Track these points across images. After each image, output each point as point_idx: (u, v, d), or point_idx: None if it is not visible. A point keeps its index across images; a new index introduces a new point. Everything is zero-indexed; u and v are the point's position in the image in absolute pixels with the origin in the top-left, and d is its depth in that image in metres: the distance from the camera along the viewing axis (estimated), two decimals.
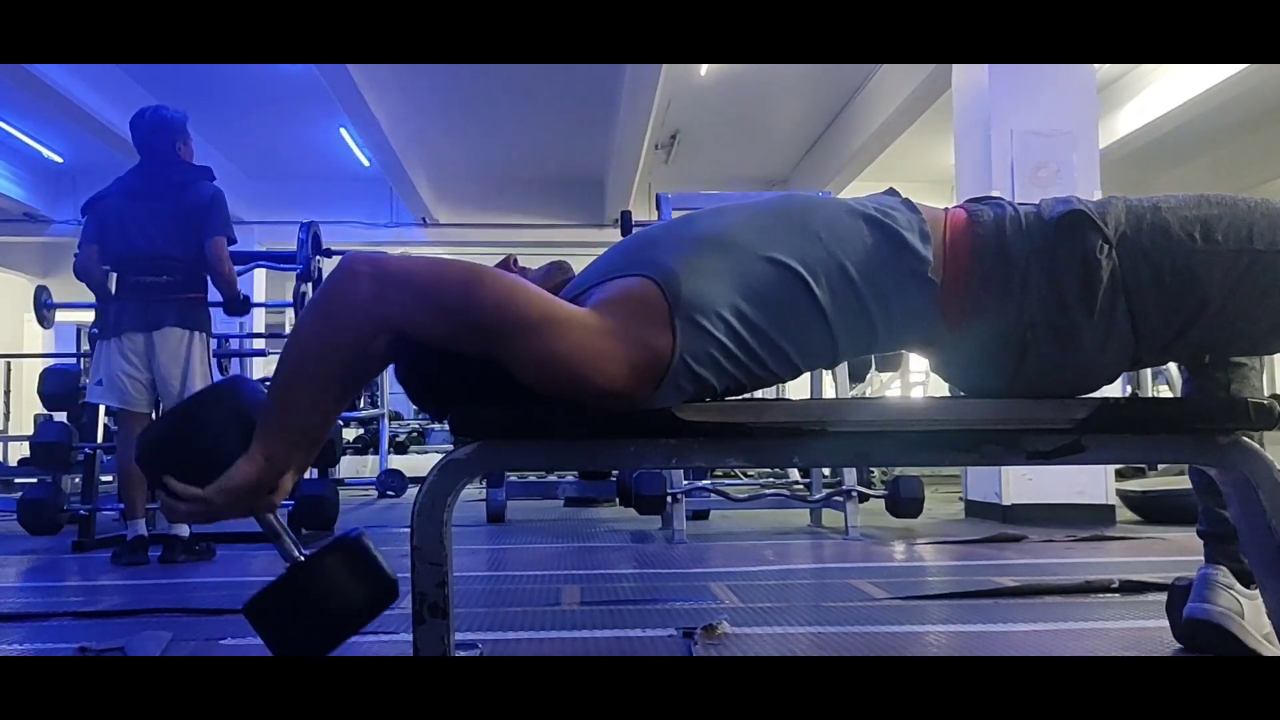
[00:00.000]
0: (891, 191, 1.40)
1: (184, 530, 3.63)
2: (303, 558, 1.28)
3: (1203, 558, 1.75)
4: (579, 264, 1.42)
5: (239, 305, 3.87)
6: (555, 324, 1.19)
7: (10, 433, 8.91)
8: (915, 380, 8.41)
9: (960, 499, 5.35)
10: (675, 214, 4.51)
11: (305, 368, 1.21)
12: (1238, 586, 1.67)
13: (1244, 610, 1.65)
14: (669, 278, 1.23)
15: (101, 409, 4.29)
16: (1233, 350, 1.52)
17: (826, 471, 4.75)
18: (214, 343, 3.92)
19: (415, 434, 12.57)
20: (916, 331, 1.33)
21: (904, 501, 4.45)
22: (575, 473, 5.79)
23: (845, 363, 4.39)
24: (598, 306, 1.23)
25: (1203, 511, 1.74)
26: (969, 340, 1.31)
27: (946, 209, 1.36)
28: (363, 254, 1.21)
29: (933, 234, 1.30)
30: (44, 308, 5.26)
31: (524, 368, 1.21)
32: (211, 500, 1.22)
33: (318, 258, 4.96)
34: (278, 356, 1.27)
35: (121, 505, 3.83)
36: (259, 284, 9.71)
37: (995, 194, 4.71)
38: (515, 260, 1.41)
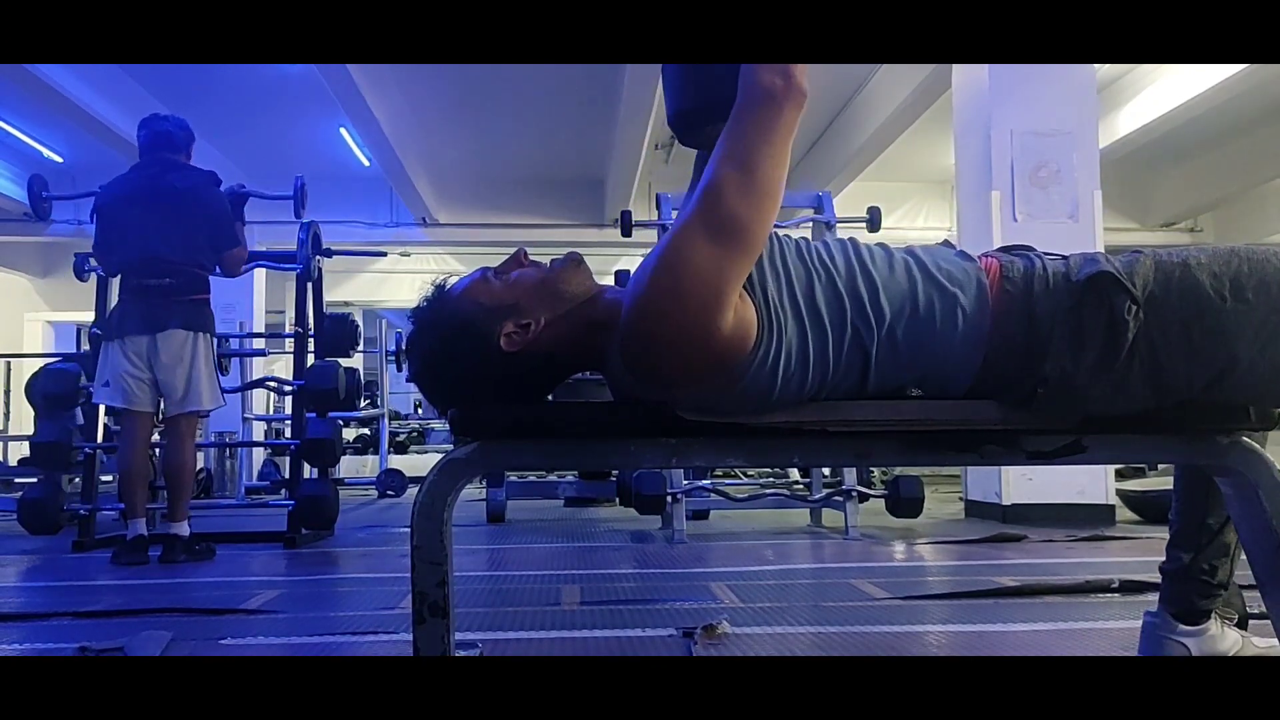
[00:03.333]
0: (946, 243, 1.40)
1: (184, 530, 3.64)
2: None
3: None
4: None
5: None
6: (723, 288, 1.20)
7: (10, 433, 8.90)
8: None
9: (960, 499, 5.35)
10: (675, 214, 4.51)
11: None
12: (1180, 628, 1.66)
13: (1190, 651, 1.66)
14: (765, 331, 1.24)
15: (102, 409, 4.29)
16: (1261, 406, 1.50)
17: (826, 471, 4.75)
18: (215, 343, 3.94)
19: (415, 434, 12.57)
20: (937, 383, 1.33)
21: (904, 501, 4.45)
22: (575, 473, 5.79)
23: None
24: (735, 311, 1.23)
25: (1167, 548, 1.73)
26: (980, 390, 1.32)
27: (981, 257, 1.36)
28: (798, 91, 1.23)
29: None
30: (41, 199, 5.02)
31: (684, 254, 1.21)
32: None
33: (318, 258, 4.96)
34: None
35: (121, 505, 3.83)
36: (259, 284, 9.72)
37: (990, 209, 4.76)
38: (526, 254, 1.41)
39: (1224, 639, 1.66)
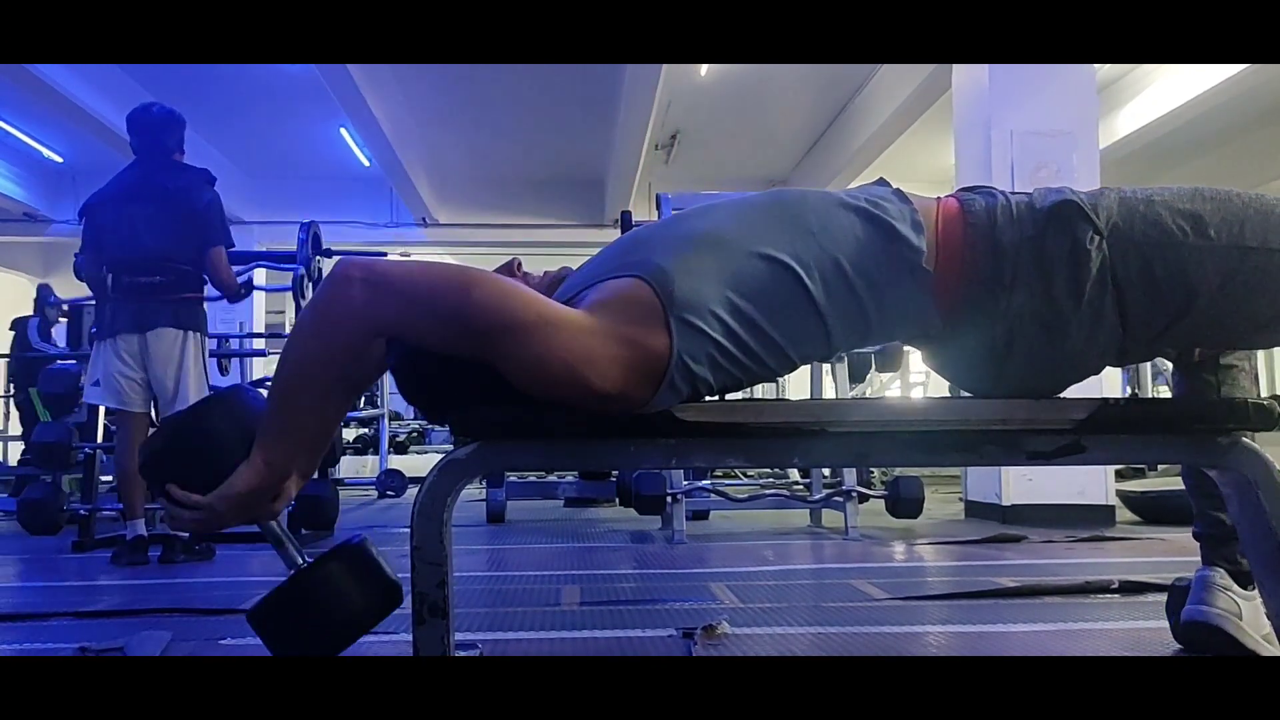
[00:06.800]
0: (882, 182, 1.39)
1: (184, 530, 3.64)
2: (305, 564, 1.28)
3: (1200, 559, 1.76)
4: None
5: (238, 295, 3.93)
6: (549, 325, 1.18)
7: (10, 433, 8.90)
8: (915, 380, 8.42)
9: (960, 499, 5.35)
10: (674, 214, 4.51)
11: (303, 373, 1.22)
12: (1235, 588, 1.67)
13: (1242, 612, 1.65)
14: (661, 277, 1.22)
15: (101, 409, 4.29)
16: (1220, 345, 1.52)
17: (826, 472, 4.75)
18: (214, 343, 3.93)
19: (415, 434, 12.58)
20: (910, 323, 1.33)
21: (904, 502, 4.45)
22: (575, 473, 5.78)
23: (844, 361, 4.40)
24: (591, 308, 1.23)
25: (1198, 514, 1.74)
26: (960, 331, 1.32)
27: (939, 199, 1.35)
28: (357, 258, 1.21)
29: (925, 224, 1.30)
30: (49, 305, 5.18)
31: (519, 370, 1.20)
32: (214, 507, 1.23)
33: (318, 258, 4.96)
34: (277, 358, 1.27)
35: (121, 505, 3.83)
36: (259, 284, 9.70)
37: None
38: (519, 264, 1.41)
39: (1262, 616, 1.66)
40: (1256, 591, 1.64)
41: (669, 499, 4.11)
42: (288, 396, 1.23)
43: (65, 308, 5.59)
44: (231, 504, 1.23)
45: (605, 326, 1.20)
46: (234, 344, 7.63)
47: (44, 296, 5.22)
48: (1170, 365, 1.71)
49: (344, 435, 7.27)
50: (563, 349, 1.18)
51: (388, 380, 9.31)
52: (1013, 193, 1.35)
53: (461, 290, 1.19)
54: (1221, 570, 1.68)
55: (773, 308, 1.25)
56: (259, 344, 8.72)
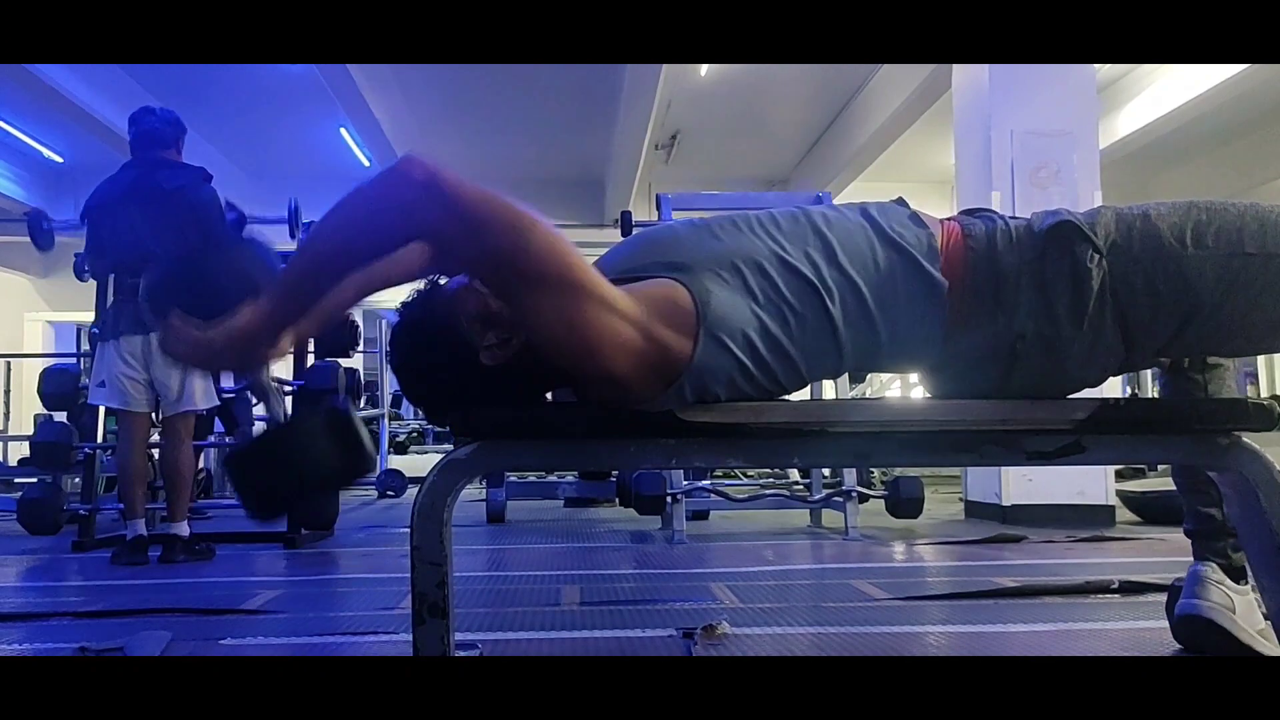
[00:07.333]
0: (900, 201, 1.40)
1: (184, 530, 3.64)
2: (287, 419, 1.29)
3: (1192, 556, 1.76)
4: None
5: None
6: (590, 293, 1.19)
7: (10, 433, 8.91)
8: (915, 380, 8.41)
9: (960, 499, 5.35)
10: (675, 214, 4.51)
11: (333, 250, 1.18)
12: (1228, 582, 1.67)
13: (1235, 606, 1.66)
14: (702, 290, 1.24)
15: (101, 410, 4.29)
16: (1226, 351, 1.53)
17: (826, 472, 4.74)
18: None
19: (415, 434, 12.58)
20: (917, 346, 1.34)
21: (904, 502, 4.45)
22: (575, 473, 5.78)
23: None
24: (631, 296, 1.24)
25: (1188, 510, 1.74)
26: (961, 353, 1.32)
27: (943, 222, 1.37)
28: (424, 160, 1.16)
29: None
30: (41, 232, 5.01)
31: (542, 325, 1.21)
32: (212, 341, 1.21)
33: None
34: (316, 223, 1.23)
35: (121, 505, 3.83)
36: None
37: (988, 206, 4.78)
38: None
39: (1256, 611, 1.66)
40: (1249, 586, 1.65)
41: (669, 499, 4.11)
42: (311, 264, 1.20)
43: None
44: (229, 340, 1.20)
45: (639, 315, 1.22)
46: None
47: (37, 221, 5.04)
48: None
49: None
50: (592, 320, 1.19)
51: (388, 380, 9.32)
52: (1011, 217, 1.36)
53: (521, 232, 1.17)
54: (1214, 565, 1.69)
55: (798, 329, 1.28)
56: None
